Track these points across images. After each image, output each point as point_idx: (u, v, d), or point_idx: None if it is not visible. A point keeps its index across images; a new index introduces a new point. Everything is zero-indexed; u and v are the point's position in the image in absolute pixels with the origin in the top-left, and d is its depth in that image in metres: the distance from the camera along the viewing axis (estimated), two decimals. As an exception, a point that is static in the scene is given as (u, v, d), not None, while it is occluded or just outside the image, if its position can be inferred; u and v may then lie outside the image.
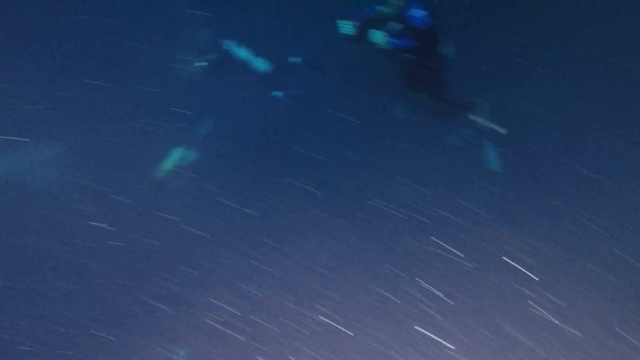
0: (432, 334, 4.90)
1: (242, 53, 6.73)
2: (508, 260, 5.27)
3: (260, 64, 6.78)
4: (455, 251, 5.40)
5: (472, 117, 6.10)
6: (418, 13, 5.28)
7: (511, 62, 6.64)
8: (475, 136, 6.17)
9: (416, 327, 4.94)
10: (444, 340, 4.87)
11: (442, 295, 5.11)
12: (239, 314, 5.19)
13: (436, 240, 5.49)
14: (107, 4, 7.44)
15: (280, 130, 6.94)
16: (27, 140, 6.56)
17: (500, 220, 5.58)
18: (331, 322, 5.08)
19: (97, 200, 6.11)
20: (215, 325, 5.17)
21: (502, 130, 5.99)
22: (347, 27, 5.48)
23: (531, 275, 5.15)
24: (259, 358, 4.95)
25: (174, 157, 6.27)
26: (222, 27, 6.77)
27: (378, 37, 5.39)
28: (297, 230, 5.79)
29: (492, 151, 6.10)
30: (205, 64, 6.77)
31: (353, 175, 6.37)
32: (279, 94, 6.94)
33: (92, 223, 5.94)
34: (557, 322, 4.88)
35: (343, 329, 5.04)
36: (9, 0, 7.34)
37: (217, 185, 6.29)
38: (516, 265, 5.24)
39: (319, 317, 5.12)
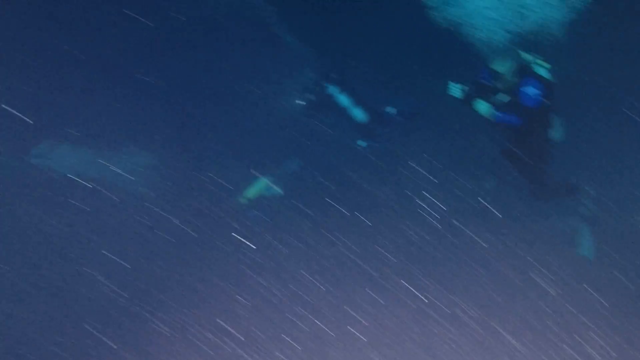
0: None
1: (343, 100, 6.85)
2: None
3: (358, 113, 6.87)
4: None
5: (573, 203, 5.80)
6: (531, 91, 5.09)
7: (624, 157, 6.31)
8: (572, 221, 5.84)
9: None
10: None
11: None
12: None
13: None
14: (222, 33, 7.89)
15: (361, 178, 6.91)
16: (119, 148, 6.96)
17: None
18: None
19: (179, 212, 6.32)
20: None
21: None
22: (456, 89, 5.41)
23: None
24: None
25: (259, 187, 6.40)
26: (329, 72, 6.95)
27: (483, 108, 5.26)
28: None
29: (588, 237, 5.73)
30: (304, 103, 6.96)
31: (424, 232, 6.18)
32: (363, 143, 6.98)
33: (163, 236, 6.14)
34: None
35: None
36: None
37: (291, 221, 6.33)
38: None
39: None
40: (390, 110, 7.05)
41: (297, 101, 7.00)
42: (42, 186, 6.43)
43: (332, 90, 6.89)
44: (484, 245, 5.85)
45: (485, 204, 6.22)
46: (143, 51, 7.50)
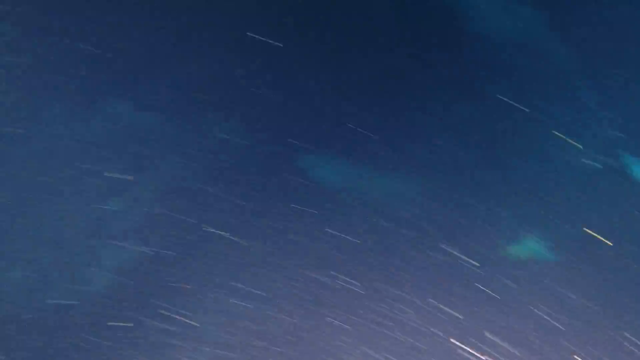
0: None
1: (640, 172, 6.19)
2: None
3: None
4: None
5: None
6: None
7: None
8: None
9: None
10: None
11: None
12: None
13: None
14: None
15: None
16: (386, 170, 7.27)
17: None
18: None
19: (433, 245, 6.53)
20: None
21: None
22: None
23: None
24: None
25: (528, 246, 6.23)
26: (632, 142, 6.29)
27: None
28: None
29: None
30: (600, 167, 6.43)
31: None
32: None
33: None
34: None
35: None
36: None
37: (550, 291, 6.07)
38: None
39: None
40: None
41: (583, 160, 6.53)
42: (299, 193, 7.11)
43: (630, 160, 6.26)
44: None
45: None
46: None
